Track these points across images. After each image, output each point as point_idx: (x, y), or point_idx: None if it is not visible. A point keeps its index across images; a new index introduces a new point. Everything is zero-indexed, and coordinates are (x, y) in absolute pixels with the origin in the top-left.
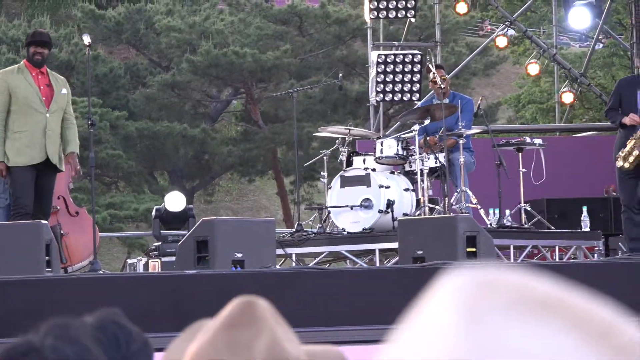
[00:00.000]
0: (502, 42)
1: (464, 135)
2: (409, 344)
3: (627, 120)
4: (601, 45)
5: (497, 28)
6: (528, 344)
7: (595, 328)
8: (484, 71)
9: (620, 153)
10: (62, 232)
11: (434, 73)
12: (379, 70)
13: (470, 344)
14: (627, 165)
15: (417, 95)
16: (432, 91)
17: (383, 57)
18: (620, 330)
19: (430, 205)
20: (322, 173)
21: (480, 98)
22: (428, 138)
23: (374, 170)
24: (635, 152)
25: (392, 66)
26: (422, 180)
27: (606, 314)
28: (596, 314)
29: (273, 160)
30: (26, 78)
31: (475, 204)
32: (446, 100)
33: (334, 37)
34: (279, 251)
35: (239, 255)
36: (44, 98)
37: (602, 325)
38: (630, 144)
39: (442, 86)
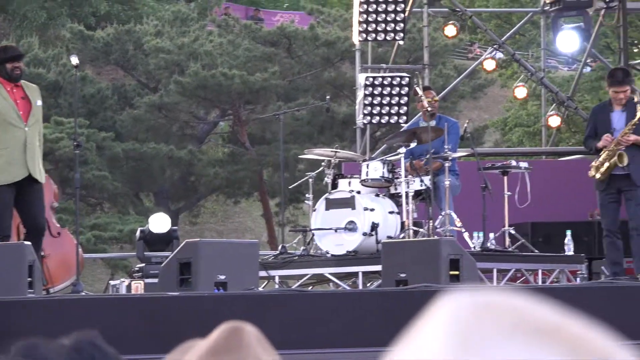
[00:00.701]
0: (490, 65)
1: (450, 158)
2: None
3: (600, 144)
4: (589, 68)
5: (486, 51)
6: None
7: (592, 355)
8: (471, 94)
9: (593, 163)
10: (42, 253)
11: (421, 96)
12: (367, 92)
13: None
14: (598, 175)
15: (404, 117)
16: (419, 114)
17: (371, 79)
18: (616, 357)
19: (415, 228)
20: (307, 195)
21: (467, 121)
22: (414, 161)
23: (359, 192)
24: (607, 164)
25: (379, 89)
26: (407, 203)
27: (603, 340)
28: (593, 341)
29: (259, 182)
30: (0, 93)
31: (460, 227)
32: (433, 122)
33: (322, 59)
34: (262, 273)
35: (222, 277)
36: (20, 112)
37: (599, 352)
38: (603, 154)
39: (429, 109)
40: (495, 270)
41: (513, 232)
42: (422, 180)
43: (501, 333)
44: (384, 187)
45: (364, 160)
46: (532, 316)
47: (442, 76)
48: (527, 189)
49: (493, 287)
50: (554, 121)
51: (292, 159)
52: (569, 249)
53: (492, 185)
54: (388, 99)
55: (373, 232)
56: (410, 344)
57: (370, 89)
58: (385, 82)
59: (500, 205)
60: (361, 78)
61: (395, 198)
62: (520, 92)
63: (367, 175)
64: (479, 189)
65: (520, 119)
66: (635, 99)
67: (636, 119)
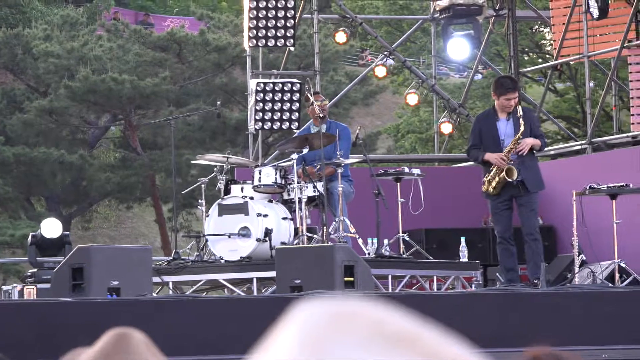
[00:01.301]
0: (381, 71)
1: (342, 164)
2: None
3: (492, 158)
4: (480, 76)
5: (377, 58)
6: None
7: None
8: (363, 100)
9: (484, 178)
10: None
11: (312, 102)
12: (258, 98)
13: None
14: (491, 189)
15: (296, 123)
16: (311, 120)
17: (262, 85)
18: None
19: (309, 234)
20: (200, 201)
21: (359, 127)
22: (306, 167)
23: (252, 198)
24: (497, 178)
25: (271, 94)
26: (301, 209)
27: (458, 350)
28: (449, 351)
29: (151, 187)
30: None
31: (354, 233)
32: (324, 127)
33: (213, 65)
34: (156, 279)
35: (115, 282)
36: None
37: None
38: (494, 169)
39: (321, 115)
40: (390, 277)
41: (407, 238)
42: (314, 187)
43: (357, 341)
44: (277, 193)
45: (257, 166)
46: (390, 326)
47: (334, 82)
48: (421, 196)
49: (352, 295)
50: (446, 128)
51: (184, 164)
52: (464, 255)
53: (386, 191)
54: (279, 104)
55: (267, 238)
56: (266, 349)
57: (262, 94)
58: (277, 88)
59: (394, 211)
60: (252, 84)
61: (289, 204)
62: (412, 98)
63: (259, 181)
64: (372, 196)
65: (412, 125)
66: (518, 114)
67: (519, 133)
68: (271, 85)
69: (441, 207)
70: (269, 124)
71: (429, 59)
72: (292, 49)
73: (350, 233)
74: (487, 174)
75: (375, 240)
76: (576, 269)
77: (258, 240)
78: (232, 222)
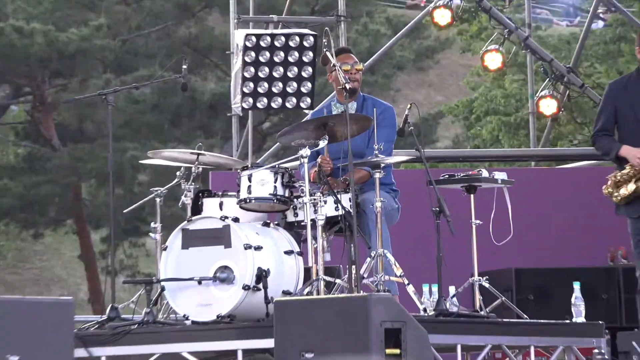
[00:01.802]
0: (443, 17)
1: (383, 164)
2: None
3: (632, 155)
4: (601, 23)
5: None
6: None
7: None
8: (415, 63)
9: (612, 176)
10: None
11: (334, 65)
12: (248, 60)
13: None
14: (616, 197)
15: (308, 100)
16: (332, 93)
17: (254, 39)
18: None
19: (328, 278)
20: (153, 225)
21: (409, 106)
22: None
23: (237, 220)
24: (632, 186)
25: (268, 54)
26: (315, 238)
27: None
28: None
29: (74, 202)
30: None
31: (400, 276)
32: (353, 107)
33: (175, 8)
34: (80, 352)
35: (14, 358)
36: None
37: None
38: (630, 169)
39: (348, 86)
40: (458, 348)
41: (487, 284)
42: (338, 201)
43: None
44: (277, 211)
45: (244, 168)
46: None
47: (368, 34)
48: (509, 215)
49: None
50: (549, 106)
51: (128, 165)
52: (579, 312)
53: (452, 208)
54: (282, 70)
55: (260, 285)
56: None
57: (253, 54)
58: (277, 44)
59: (466, 240)
60: (238, 37)
61: (296, 229)
62: (493, 59)
63: (249, 193)
64: (429, 215)
65: (493, 102)
66: None
67: None
68: (268, 39)
69: (541, 234)
70: (265, 100)
71: None
72: None
73: (395, 276)
74: (617, 173)
75: (435, 288)
76: None
77: (246, 288)
78: (204, 259)
